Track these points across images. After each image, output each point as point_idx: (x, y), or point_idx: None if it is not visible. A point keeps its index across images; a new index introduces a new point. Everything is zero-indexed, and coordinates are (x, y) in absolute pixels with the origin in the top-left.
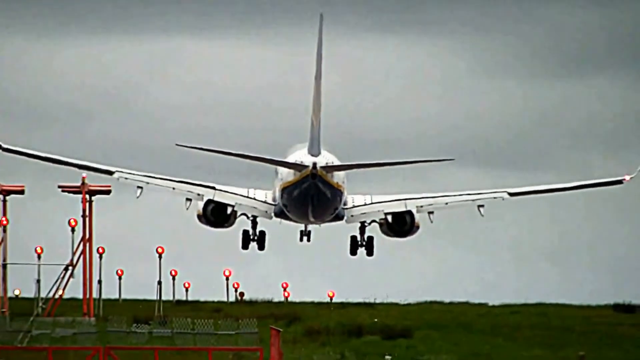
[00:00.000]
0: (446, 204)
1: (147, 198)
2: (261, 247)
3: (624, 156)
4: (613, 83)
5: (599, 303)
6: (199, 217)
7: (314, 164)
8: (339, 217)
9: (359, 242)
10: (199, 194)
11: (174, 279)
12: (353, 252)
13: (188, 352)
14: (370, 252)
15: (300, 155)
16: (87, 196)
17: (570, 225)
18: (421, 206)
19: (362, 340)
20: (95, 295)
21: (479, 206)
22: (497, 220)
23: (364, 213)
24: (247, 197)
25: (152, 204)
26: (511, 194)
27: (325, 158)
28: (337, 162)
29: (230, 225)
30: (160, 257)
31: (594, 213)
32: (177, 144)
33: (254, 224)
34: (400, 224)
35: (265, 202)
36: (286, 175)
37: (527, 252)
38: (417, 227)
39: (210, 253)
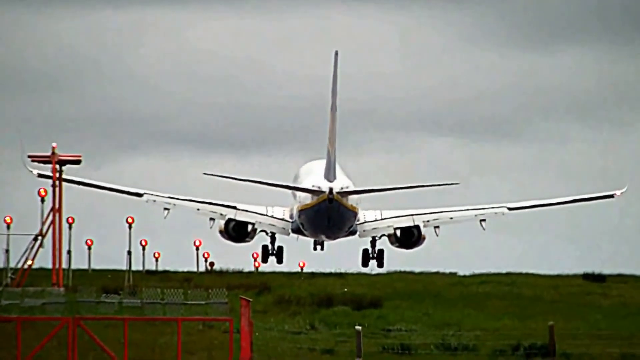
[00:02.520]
0: (451, 218)
1: (116, 168)
2: (279, 261)
3: (597, 125)
4: (588, 53)
5: (568, 273)
6: (220, 232)
7: (331, 190)
8: (352, 233)
9: (370, 255)
10: (222, 214)
11: (143, 249)
12: (365, 264)
13: (158, 322)
14: (380, 264)
15: (317, 180)
16: (57, 166)
17: (540, 196)
18: (427, 221)
19: (333, 310)
20: (64, 265)
21: (481, 220)
22: (469, 192)
23: (375, 228)
24: (266, 215)
25: (122, 173)
26: (510, 209)
27: (341, 183)
28: (351, 186)
29: (251, 240)
30: (130, 227)
31: (564, 183)
32: (204, 173)
33: (273, 239)
34: (408, 237)
35: (283, 219)
36: (304, 198)
37: (498, 222)
38: (424, 239)
39: (181, 223)
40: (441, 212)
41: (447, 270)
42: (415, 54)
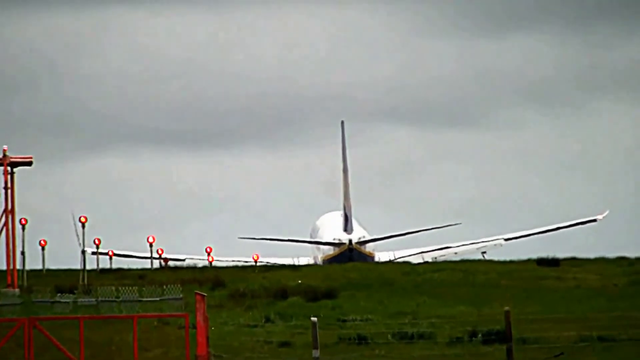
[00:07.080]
0: (455, 253)
1: (68, 167)
2: None
3: (557, 112)
4: (545, 40)
5: (522, 258)
6: None
7: (350, 241)
8: None
9: None
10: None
11: (97, 247)
12: None
13: (113, 320)
14: None
15: (337, 233)
16: (9, 168)
17: (495, 179)
18: (435, 258)
19: (287, 302)
20: (19, 266)
21: (483, 253)
22: (426, 177)
23: None
24: (293, 265)
25: (74, 173)
26: (506, 239)
27: (358, 234)
28: (367, 235)
29: None
30: (83, 226)
31: (519, 167)
32: (239, 237)
33: None
34: None
35: None
36: (327, 250)
37: (451, 207)
38: None
39: (134, 220)
40: (446, 247)
41: (401, 259)
42: (368, 44)
